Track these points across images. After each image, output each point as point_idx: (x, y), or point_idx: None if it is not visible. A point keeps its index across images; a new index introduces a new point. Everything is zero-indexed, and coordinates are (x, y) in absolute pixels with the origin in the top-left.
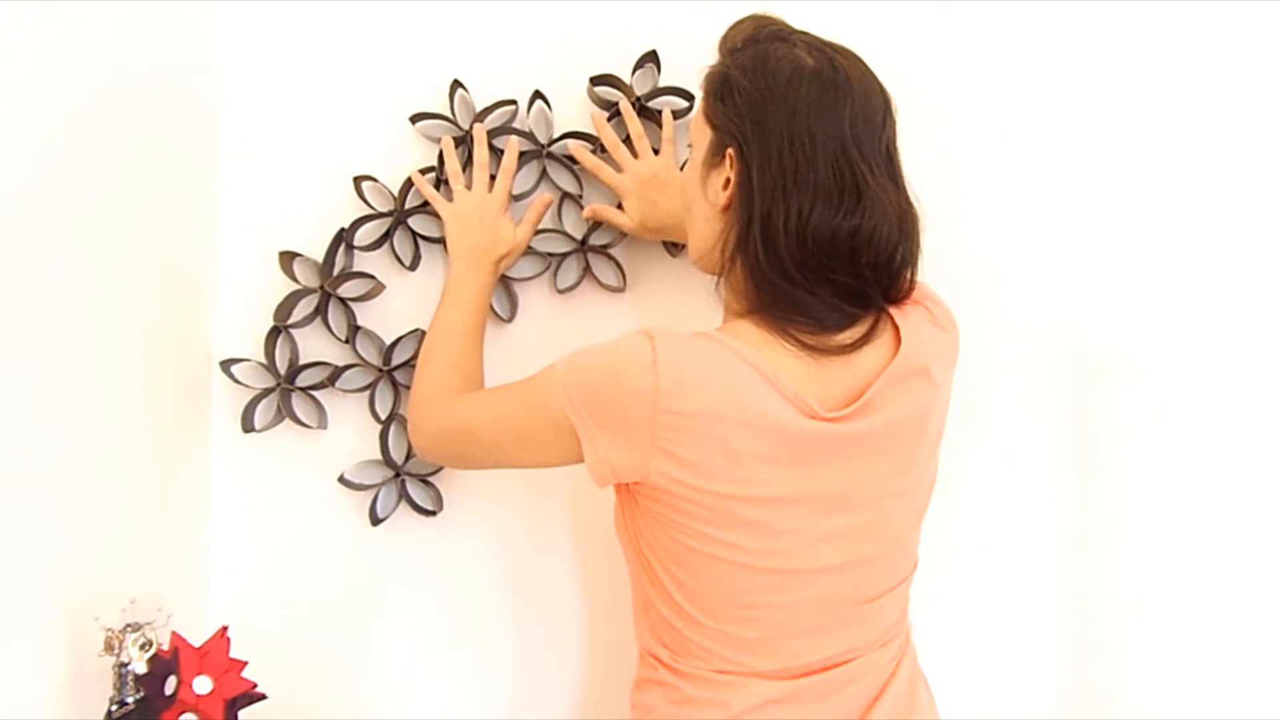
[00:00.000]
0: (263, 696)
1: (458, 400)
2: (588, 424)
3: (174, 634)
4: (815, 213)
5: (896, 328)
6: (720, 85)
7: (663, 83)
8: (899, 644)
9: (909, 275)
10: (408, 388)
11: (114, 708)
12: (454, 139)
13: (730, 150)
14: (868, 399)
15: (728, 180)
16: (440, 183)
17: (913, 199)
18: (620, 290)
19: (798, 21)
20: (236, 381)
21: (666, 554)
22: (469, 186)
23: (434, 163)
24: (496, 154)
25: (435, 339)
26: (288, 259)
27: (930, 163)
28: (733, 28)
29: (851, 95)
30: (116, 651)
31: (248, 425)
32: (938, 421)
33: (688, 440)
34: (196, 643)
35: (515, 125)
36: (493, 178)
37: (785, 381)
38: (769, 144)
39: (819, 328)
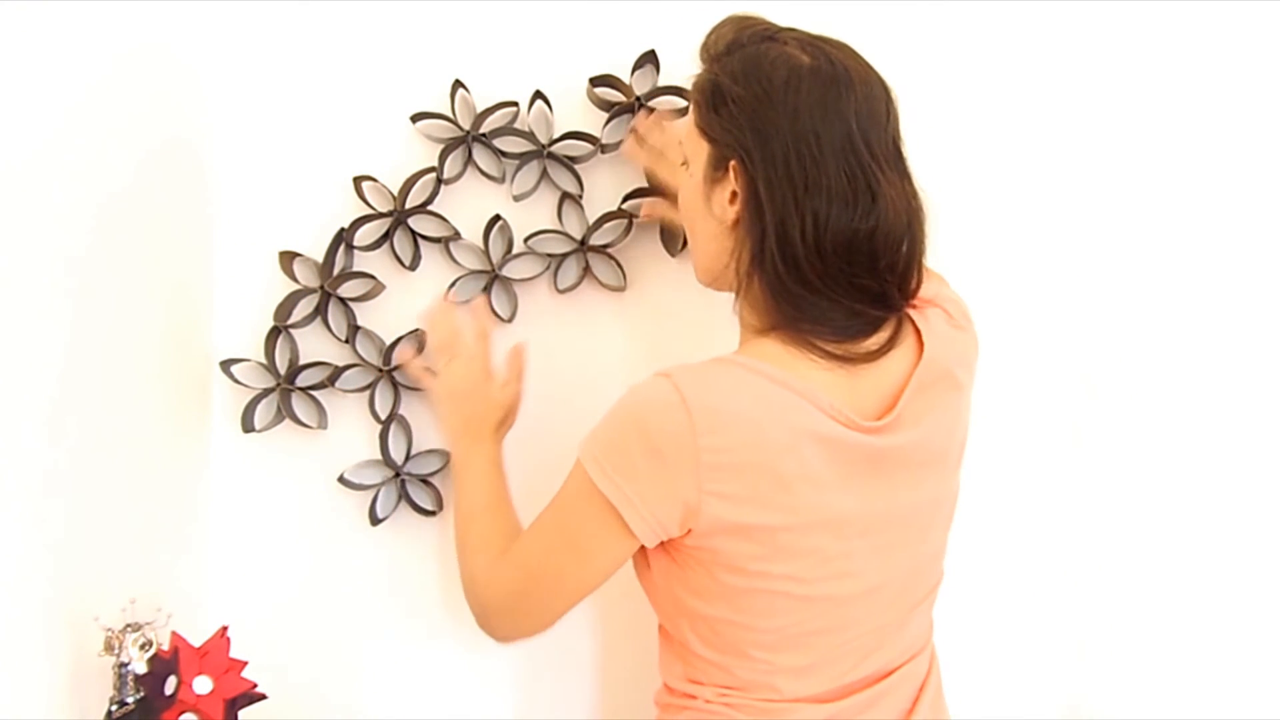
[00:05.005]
0: (263, 696)
1: (504, 559)
2: (620, 487)
3: (174, 634)
4: (832, 217)
5: (918, 330)
6: (712, 95)
7: (662, 82)
8: (929, 653)
9: (919, 270)
10: (408, 388)
11: (114, 708)
12: (452, 139)
13: (733, 162)
14: (901, 409)
15: (734, 194)
16: (440, 182)
17: (919, 190)
18: (621, 290)
19: (792, 19)
20: (236, 381)
21: (718, 597)
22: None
23: (434, 163)
24: (498, 154)
25: (466, 524)
26: (288, 259)
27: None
28: (713, 32)
29: (853, 90)
30: (116, 651)
31: (248, 425)
32: (965, 425)
33: (737, 477)
34: (196, 643)
35: (516, 126)
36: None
37: (820, 395)
38: (773, 151)
39: (843, 336)
